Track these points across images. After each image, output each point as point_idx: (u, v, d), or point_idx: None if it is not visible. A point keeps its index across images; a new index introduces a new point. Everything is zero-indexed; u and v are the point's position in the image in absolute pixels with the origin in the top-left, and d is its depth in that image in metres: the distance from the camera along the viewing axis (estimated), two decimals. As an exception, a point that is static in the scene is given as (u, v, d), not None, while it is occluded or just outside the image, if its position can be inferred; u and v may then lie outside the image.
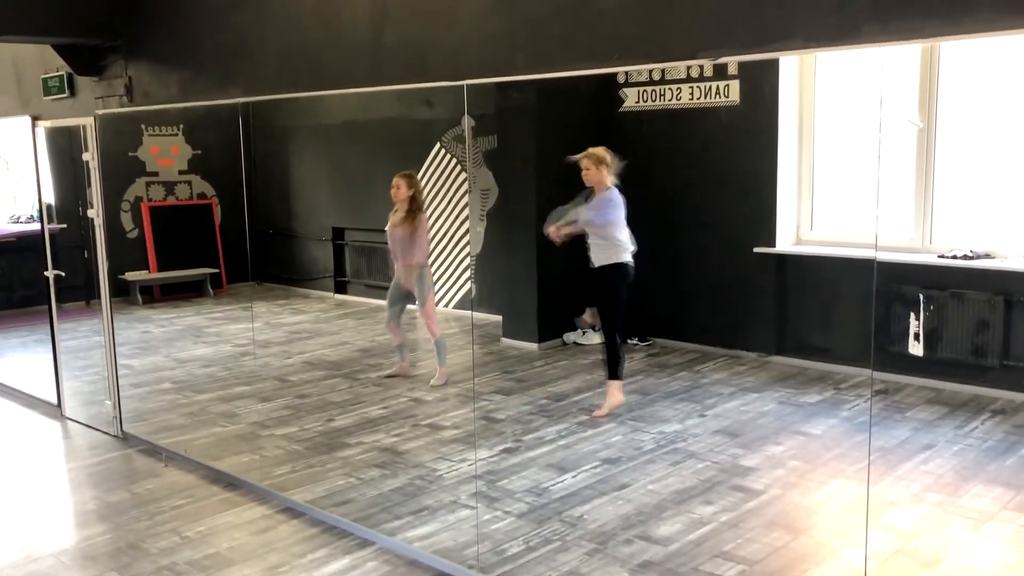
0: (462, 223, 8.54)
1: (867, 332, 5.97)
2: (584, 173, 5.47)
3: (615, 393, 5.45)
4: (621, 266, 5.49)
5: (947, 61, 5.87)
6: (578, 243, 7.34)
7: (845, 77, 6.45)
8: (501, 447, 4.95)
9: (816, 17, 2.65)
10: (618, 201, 5.47)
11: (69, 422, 5.81)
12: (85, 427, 5.67)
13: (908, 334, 5.92)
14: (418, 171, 8.81)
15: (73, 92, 5.69)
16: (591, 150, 5.50)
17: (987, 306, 5.65)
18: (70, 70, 5.61)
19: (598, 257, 5.53)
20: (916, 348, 5.90)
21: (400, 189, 6.11)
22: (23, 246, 8.62)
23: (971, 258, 5.73)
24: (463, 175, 8.42)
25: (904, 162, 6.08)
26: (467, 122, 7.69)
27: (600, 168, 5.44)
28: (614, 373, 5.46)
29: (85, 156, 5.43)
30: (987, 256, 5.74)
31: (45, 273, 5.91)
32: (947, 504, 4.13)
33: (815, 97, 6.53)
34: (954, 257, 5.79)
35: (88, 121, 5.35)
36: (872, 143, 5.90)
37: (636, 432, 5.09)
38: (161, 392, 6.33)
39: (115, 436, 5.42)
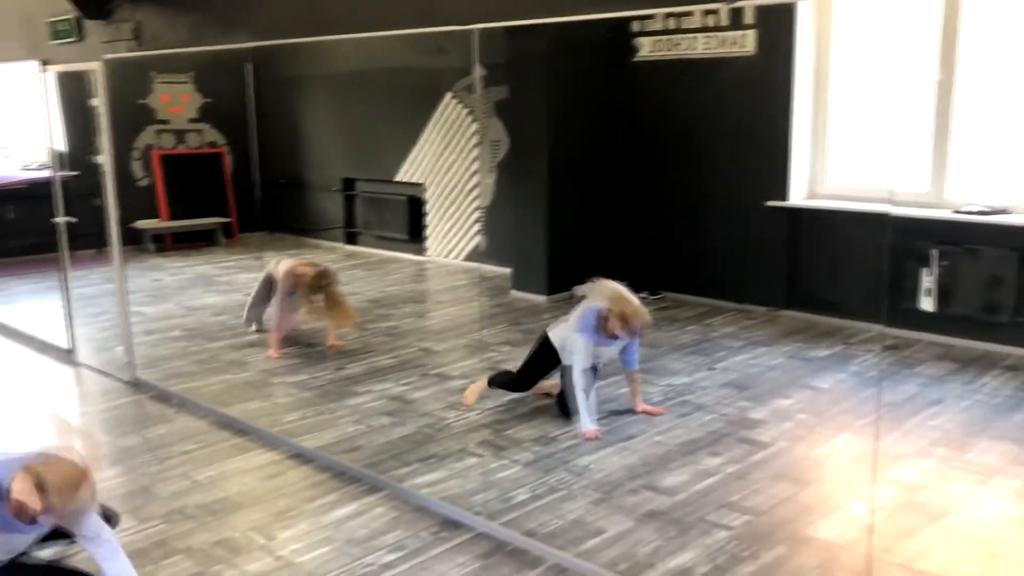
0: (472, 175, 8.50)
1: (879, 287, 5.94)
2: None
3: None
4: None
5: (969, 9, 5.74)
6: (591, 200, 7.31)
7: (863, 27, 6.32)
8: (508, 397, 4.97)
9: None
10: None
11: (82, 368, 5.86)
12: (98, 373, 5.72)
13: (920, 289, 5.88)
14: (427, 121, 8.75)
15: (81, 36, 5.64)
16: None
17: (1001, 262, 5.59)
18: (78, 13, 5.55)
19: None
20: (928, 304, 5.87)
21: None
22: (34, 193, 8.61)
23: (987, 213, 5.67)
24: (473, 126, 8.35)
25: (921, 114, 5.99)
26: (477, 71, 7.60)
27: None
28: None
29: (94, 102, 5.39)
30: (1003, 211, 5.68)
31: (55, 220, 5.90)
32: (954, 459, 4.13)
33: (832, 47, 6.42)
34: (969, 212, 5.72)
35: (96, 66, 5.30)
36: (888, 94, 5.81)
37: (644, 384, 5.09)
38: (172, 339, 6.37)
39: (127, 382, 5.47)
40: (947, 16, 5.79)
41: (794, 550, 3.35)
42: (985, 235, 5.65)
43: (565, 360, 4.64)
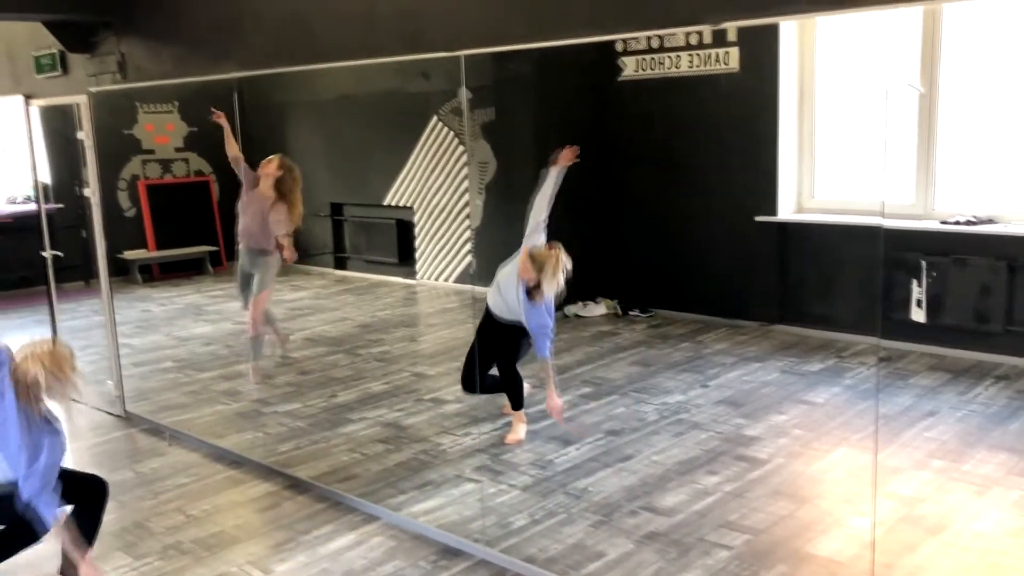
0: (461, 196, 8.50)
1: (869, 299, 5.96)
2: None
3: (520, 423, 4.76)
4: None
5: (949, 24, 5.80)
6: (580, 219, 7.32)
7: (846, 42, 6.38)
8: (504, 420, 4.94)
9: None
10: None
11: (71, 403, 5.79)
12: (87, 407, 5.66)
13: (910, 301, 5.90)
14: (415, 145, 8.76)
15: (66, 70, 5.65)
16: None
17: (990, 271, 5.62)
18: (62, 47, 5.56)
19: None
20: (919, 315, 5.88)
21: (271, 163, 5.80)
22: (20, 227, 8.57)
23: (974, 223, 5.70)
24: (461, 148, 8.36)
25: (906, 127, 6.03)
26: (464, 94, 7.61)
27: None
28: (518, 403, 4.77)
29: (79, 135, 5.38)
30: (990, 221, 5.71)
31: (43, 253, 5.87)
32: (951, 470, 4.13)
33: (815, 63, 6.47)
34: (956, 223, 5.76)
35: (81, 99, 5.29)
36: (873, 108, 5.85)
37: (639, 404, 5.08)
38: (163, 371, 6.32)
39: (118, 416, 5.42)
40: (927, 31, 5.85)
41: (795, 568, 3.33)
42: (972, 245, 5.68)
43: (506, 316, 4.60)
